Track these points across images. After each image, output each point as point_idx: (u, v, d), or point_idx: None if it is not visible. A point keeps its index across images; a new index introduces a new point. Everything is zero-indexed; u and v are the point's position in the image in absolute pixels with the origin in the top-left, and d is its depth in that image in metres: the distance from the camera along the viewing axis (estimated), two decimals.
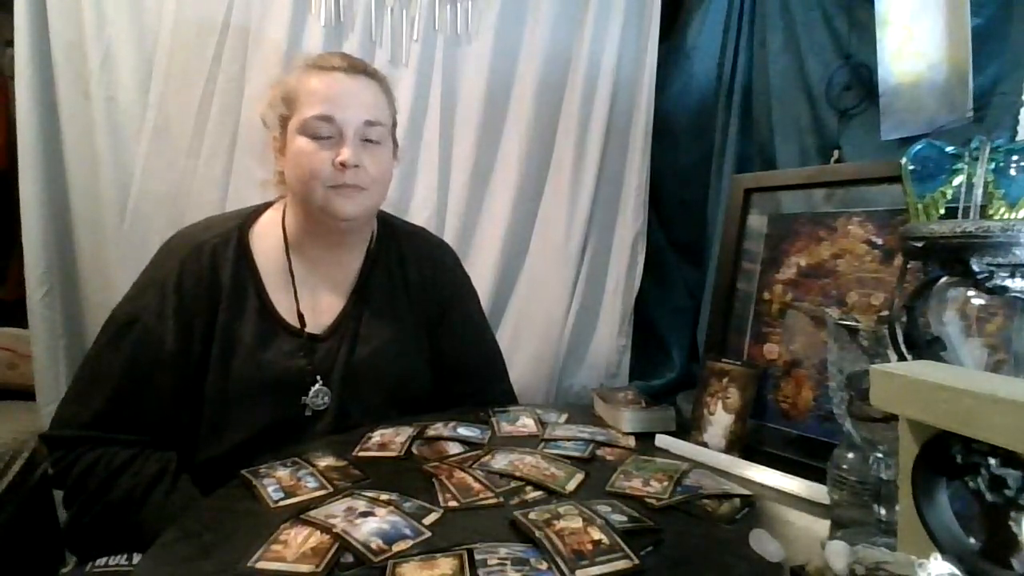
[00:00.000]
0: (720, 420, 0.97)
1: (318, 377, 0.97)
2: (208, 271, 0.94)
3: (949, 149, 0.68)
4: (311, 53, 1.16)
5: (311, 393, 0.96)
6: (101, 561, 0.87)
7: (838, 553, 0.50)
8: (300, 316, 0.99)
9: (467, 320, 1.17)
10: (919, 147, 0.70)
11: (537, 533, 0.63)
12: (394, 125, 1.04)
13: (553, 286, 1.58)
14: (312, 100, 0.93)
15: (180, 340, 0.91)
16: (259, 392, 0.93)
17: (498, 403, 1.11)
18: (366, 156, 0.95)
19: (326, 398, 0.97)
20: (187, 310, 0.92)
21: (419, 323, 1.09)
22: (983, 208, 0.65)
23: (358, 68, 0.98)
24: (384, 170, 0.99)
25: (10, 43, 1.33)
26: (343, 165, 0.92)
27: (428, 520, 0.68)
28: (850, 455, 0.71)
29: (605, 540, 0.62)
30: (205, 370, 0.92)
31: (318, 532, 0.63)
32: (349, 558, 0.60)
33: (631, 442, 0.97)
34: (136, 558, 0.87)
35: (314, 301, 1.01)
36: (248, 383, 0.93)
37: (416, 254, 1.12)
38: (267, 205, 1.06)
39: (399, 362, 1.05)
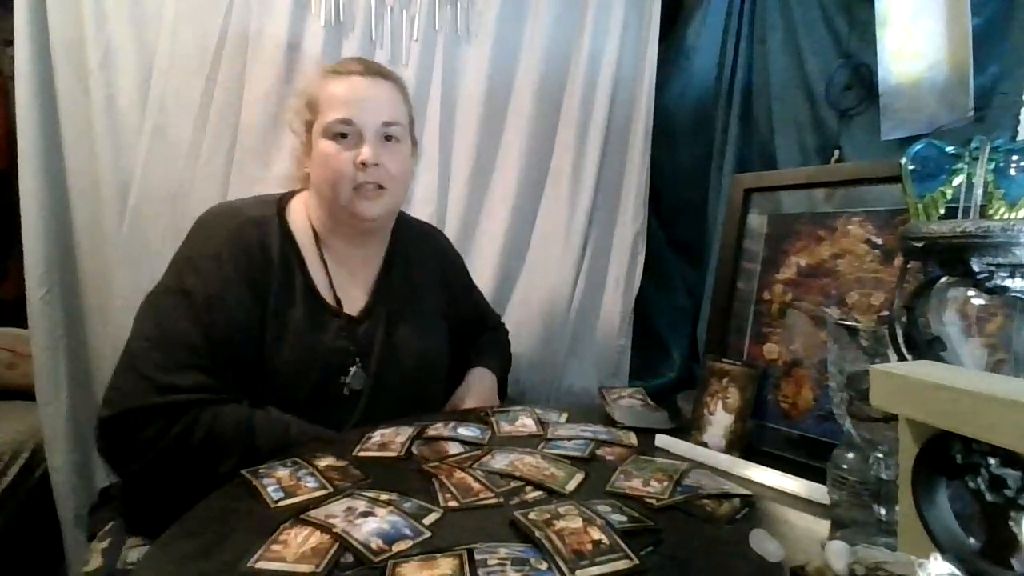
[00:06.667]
0: (720, 420, 0.97)
1: (357, 359, 1.01)
2: (257, 244, 0.96)
3: (949, 149, 0.68)
4: (329, 62, 1.19)
5: (350, 374, 1.00)
6: (133, 557, 0.88)
7: (838, 553, 0.50)
8: (337, 300, 1.03)
9: (467, 290, 1.30)
10: (919, 147, 0.70)
11: (537, 533, 0.63)
12: (411, 123, 1.09)
13: (553, 286, 1.58)
14: (333, 104, 0.99)
15: (247, 307, 0.93)
16: (307, 370, 0.96)
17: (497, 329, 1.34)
18: (385, 154, 1.00)
19: (362, 378, 1.01)
20: (245, 279, 0.94)
21: (437, 304, 1.18)
22: (983, 208, 0.65)
23: (373, 70, 1.04)
24: (403, 168, 1.05)
25: (10, 43, 1.32)
26: (363, 164, 0.97)
27: (428, 520, 0.67)
28: (850, 455, 0.70)
29: (605, 540, 0.62)
30: (262, 347, 0.94)
31: (318, 532, 0.63)
32: (349, 558, 0.60)
33: (632, 440, 0.97)
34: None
35: (344, 290, 1.05)
36: (298, 363, 0.95)
37: (428, 246, 1.21)
38: (292, 193, 1.08)
39: (426, 342, 1.11)
